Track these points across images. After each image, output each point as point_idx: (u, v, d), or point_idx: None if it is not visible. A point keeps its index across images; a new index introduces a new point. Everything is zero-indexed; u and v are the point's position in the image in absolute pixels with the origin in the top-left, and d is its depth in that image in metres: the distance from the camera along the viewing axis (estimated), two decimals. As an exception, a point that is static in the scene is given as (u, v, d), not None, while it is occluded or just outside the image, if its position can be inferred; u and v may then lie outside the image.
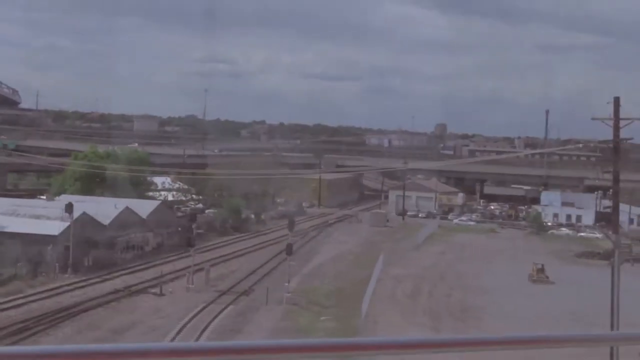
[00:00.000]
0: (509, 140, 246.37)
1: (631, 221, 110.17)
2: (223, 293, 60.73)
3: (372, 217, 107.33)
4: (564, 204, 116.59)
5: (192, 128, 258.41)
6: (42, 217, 65.92)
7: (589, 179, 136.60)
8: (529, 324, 51.49)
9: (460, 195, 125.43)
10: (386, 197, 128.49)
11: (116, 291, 58.68)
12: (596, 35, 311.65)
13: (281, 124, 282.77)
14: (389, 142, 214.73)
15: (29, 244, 62.58)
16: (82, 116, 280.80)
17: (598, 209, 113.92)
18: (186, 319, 52.67)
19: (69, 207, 63.53)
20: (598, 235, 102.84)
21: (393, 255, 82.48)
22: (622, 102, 38.40)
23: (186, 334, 49.39)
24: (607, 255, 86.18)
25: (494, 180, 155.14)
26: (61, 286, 59.11)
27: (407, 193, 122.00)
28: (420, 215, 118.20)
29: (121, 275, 64.84)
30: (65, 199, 75.77)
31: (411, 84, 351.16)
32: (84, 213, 66.53)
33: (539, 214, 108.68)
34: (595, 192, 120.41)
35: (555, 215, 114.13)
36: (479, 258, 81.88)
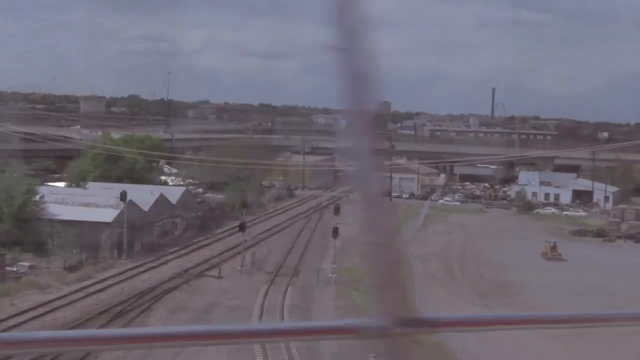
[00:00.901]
0: (457, 118, 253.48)
1: (607, 199, 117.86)
2: (275, 274, 65.57)
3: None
4: (541, 183, 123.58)
5: (139, 108, 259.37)
6: (91, 205, 69.70)
7: (559, 158, 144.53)
8: (572, 299, 57.44)
9: (442, 176, 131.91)
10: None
11: (178, 275, 63.01)
12: (535, 12, 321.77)
13: (226, 104, 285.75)
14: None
15: (85, 231, 66.47)
16: (24, 97, 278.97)
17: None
18: (259, 300, 57.41)
19: (124, 195, 67.58)
20: (582, 213, 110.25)
21: (404, 235, 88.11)
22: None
23: (268, 314, 54.09)
24: (599, 233, 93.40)
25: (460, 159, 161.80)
26: (125, 271, 63.22)
27: (389, 174, 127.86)
28: (403, 196, 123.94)
29: (171, 259, 69.13)
30: (93, 186, 79.73)
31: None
32: (130, 200, 70.44)
33: (525, 194, 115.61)
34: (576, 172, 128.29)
35: (534, 194, 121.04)
36: (485, 237, 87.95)
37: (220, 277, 63.67)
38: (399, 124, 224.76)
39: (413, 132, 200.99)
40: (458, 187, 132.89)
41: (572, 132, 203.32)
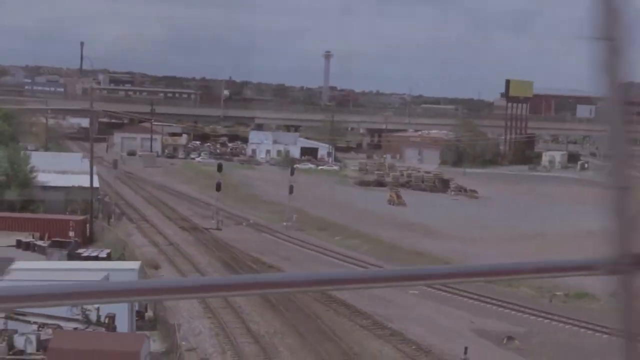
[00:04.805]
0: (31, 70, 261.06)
1: (330, 154, 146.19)
2: (242, 224, 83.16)
3: (145, 158, 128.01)
4: (274, 141, 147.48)
5: None
6: (67, 172, 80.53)
7: (258, 118, 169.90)
8: (480, 231, 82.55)
9: (184, 136, 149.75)
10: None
11: (195, 229, 78.11)
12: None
13: None
14: None
15: (77, 195, 77.96)
16: None
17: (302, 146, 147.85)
18: (286, 244, 75.39)
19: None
20: (336, 167, 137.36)
21: (253, 189, 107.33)
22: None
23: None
24: (379, 183, 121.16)
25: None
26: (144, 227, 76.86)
27: (131, 135, 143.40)
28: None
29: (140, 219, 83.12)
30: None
31: None
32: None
33: (288, 152, 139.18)
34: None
35: (268, 152, 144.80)
36: (315, 191, 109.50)
37: (219, 229, 79.76)
38: (28, 80, 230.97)
39: (62, 90, 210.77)
40: (191, 145, 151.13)
41: (210, 91, 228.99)
